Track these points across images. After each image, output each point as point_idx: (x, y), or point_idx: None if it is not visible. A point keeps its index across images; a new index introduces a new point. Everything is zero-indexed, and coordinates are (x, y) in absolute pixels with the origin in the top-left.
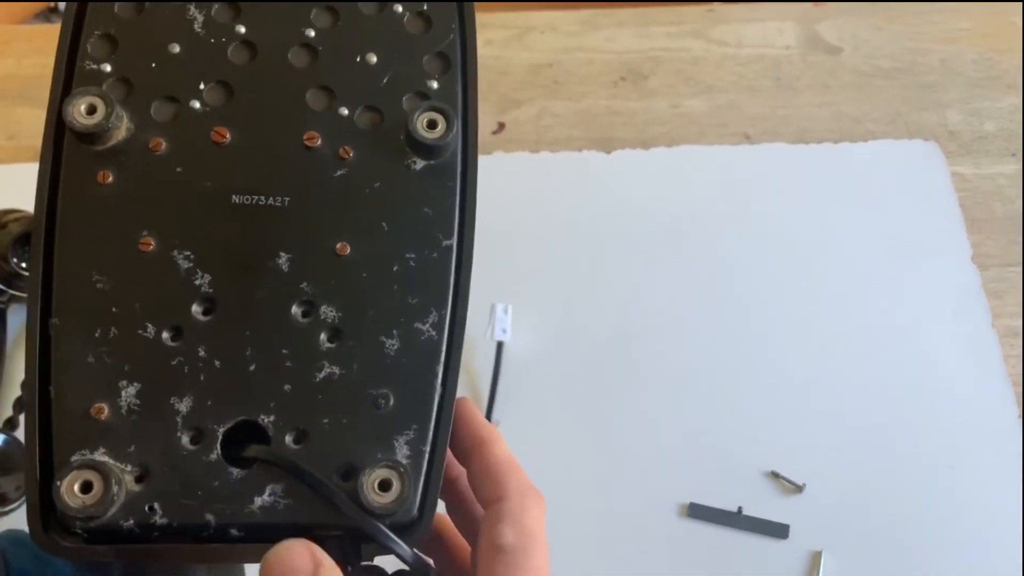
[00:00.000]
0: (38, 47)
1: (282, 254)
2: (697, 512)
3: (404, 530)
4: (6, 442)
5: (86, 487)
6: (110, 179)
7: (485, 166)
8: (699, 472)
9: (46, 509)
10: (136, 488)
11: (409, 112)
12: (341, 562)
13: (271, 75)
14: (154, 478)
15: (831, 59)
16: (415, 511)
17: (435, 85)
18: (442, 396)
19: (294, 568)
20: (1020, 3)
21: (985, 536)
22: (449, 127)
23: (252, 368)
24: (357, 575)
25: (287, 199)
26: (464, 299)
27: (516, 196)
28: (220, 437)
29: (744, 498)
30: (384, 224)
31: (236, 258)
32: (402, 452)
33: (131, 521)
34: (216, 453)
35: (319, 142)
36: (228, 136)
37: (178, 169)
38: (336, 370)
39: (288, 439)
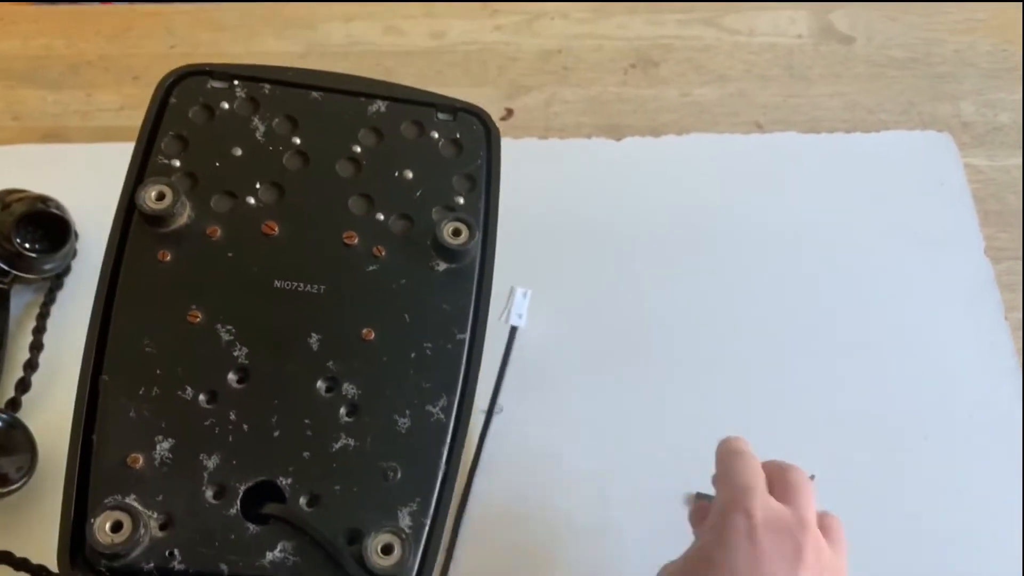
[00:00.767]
0: (43, 28)
1: (313, 335)
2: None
3: None
4: (8, 423)
5: (116, 527)
6: (169, 258)
7: None
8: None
9: (76, 546)
10: (160, 534)
11: (437, 221)
12: None
13: (319, 181)
14: (177, 526)
15: (844, 49)
16: (413, 575)
17: (461, 200)
18: (446, 473)
19: None
20: (1021, 3)
21: (993, 530)
22: (471, 236)
23: (276, 434)
24: None
25: (323, 287)
26: (472, 386)
27: (523, 183)
28: (241, 494)
29: None
30: (407, 316)
31: (272, 335)
32: (405, 521)
33: (152, 564)
34: (236, 508)
35: (356, 241)
36: (277, 229)
37: (229, 254)
38: (352, 442)
39: (303, 501)
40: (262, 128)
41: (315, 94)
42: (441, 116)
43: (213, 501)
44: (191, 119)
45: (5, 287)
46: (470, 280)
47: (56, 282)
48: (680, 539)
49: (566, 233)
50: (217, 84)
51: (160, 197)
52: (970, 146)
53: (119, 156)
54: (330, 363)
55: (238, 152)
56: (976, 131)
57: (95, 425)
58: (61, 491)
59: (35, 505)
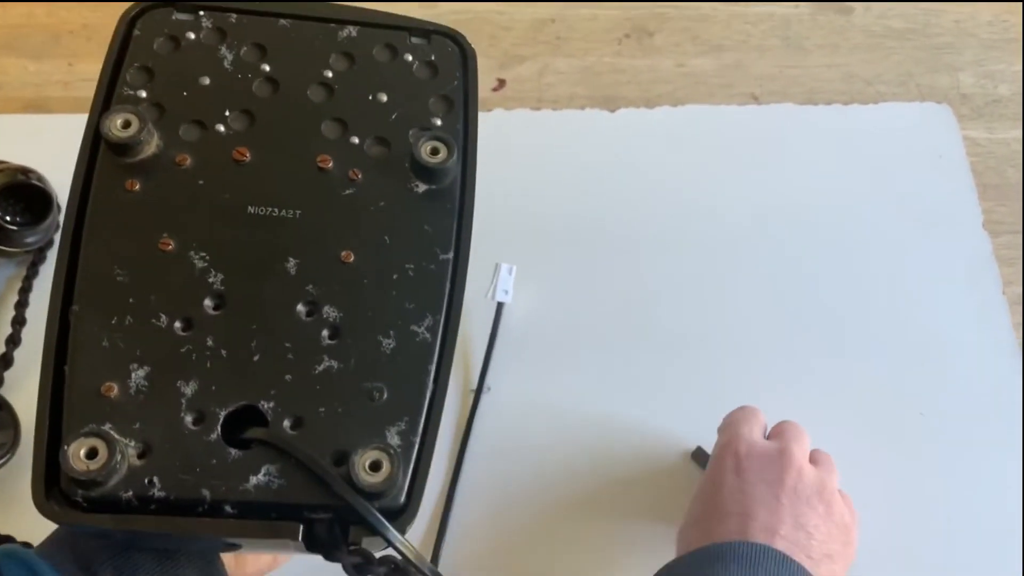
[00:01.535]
0: None
1: (291, 259)
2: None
3: (391, 516)
4: None
5: (92, 453)
6: (137, 187)
7: (484, 123)
8: (694, 437)
9: (50, 477)
10: (138, 463)
11: (414, 141)
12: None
13: (290, 107)
14: (155, 454)
15: (842, 18)
16: (403, 498)
17: (439, 122)
18: (433, 393)
19: None
20: (1020, 2)
21: (991, 506)
22: (450, 154)
23: (256, 359)
24: (345, 558)
25: (299, 212)
26: (458, 307)
27: (516, 155)
28: (221, 419)
29: None
30: (387, 238)
31: (248, 261)
32: (393, 440)
33: (130, 492)
34: (216, 434)
35: (331, 164)
36: (248, 155)
37: (200, 182)
38: (335, 364)
39: (286, 424)
40: (230, 57)
41: (283, 22)
42: (414, 40)
43: (192, 427)
44: (156, 51)
45: None
46: (451, 201)
47: (39, 255)
48: (665, 509)
49: (557, 206)
50: (182, 16)
51: (126, 125)
52: (969, 118)
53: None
54: (309, 287)
55: (206, 81)
56: (975, 103)
57: (66, 357)
58: None
59: (18, 482)
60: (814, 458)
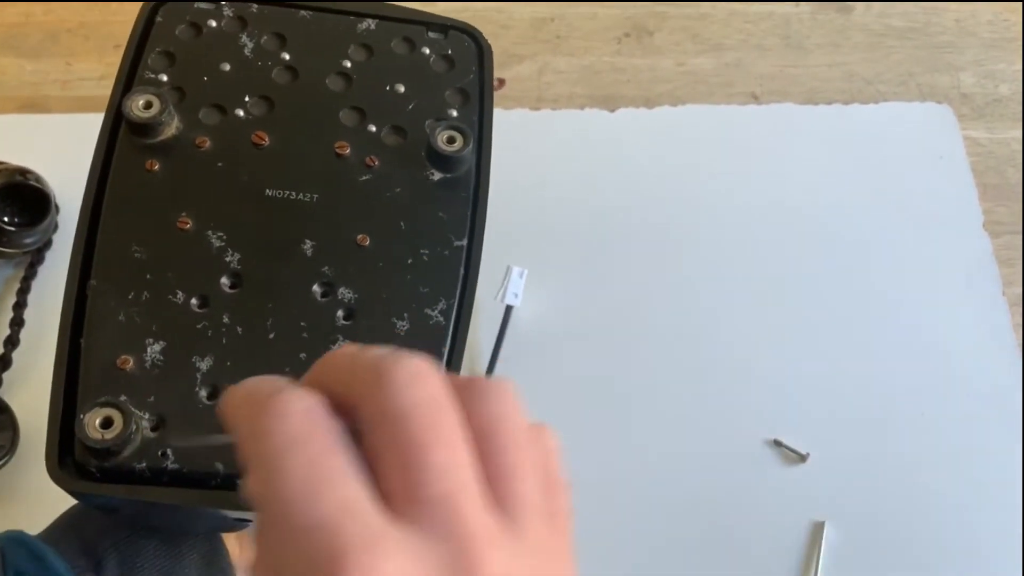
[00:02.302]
0: None
1: (307, 241)
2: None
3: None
4: None
5: (107, 423)
6: (157, 167)
7: None
8: (701, 444)
9: (64, 447)
10: (152, 435)
11: (431, 130)
12: None
13: (309, 94)
14: (169, 427)
15: (842, 17)
16: None
17: (455, 113)
18: None
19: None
20: (1020, 2)
21: (991, 506)
22: (466, 143)
23: (271, 336)
24: None
25: (315, 196)
26: (472, 292)
27: (514, 155)
28: None
29: (745, 468)
30: (402, 223)
31: (265, 241)
32: None
33: (144, 464)
34: None
35: (348, 151)
36: (267, 140)
37: (219, 164)
38: (349, 344)
39: None
40: (250, 45)
41: (303, 13)
42: (432, 34)
43: (207, 402)
44: (178, 36)
45: None
46: (466, 189)
47: (37, 256)
48: (669, 514)
49: (559, 207)
50: (204, 4)
51: (148, 106)
52: (970, 118)
53: (100, 127)
54: (325, 268)
55: (226, 67)
56: (976, 103)
57: (83, 330)
58: (44, 469)
59: (17, 484)
60: None
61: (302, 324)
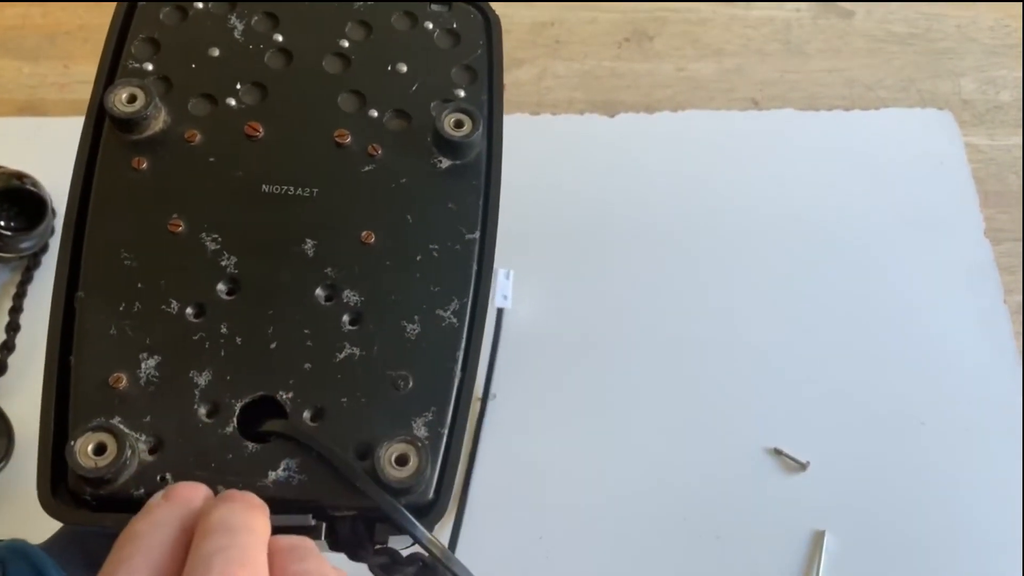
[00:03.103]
0: None
1: (308, 240)
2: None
3: (419, 513)
4: None
5: (100, 449)
6: (144, 165)
7: None
8: (700, 452)
9: (57, 474)
10: (149, 458)
11: (437, 114)
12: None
13: (305, 79)
14: (168, 449)
15: (843, 23)
16: (431, 493)
17: (462, 94)
18: (462, 380)
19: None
20: (1020, 2)
21: (992, 515)
22: (475, 127)
23: (273, 346)
24: (371, 558)
25: (315, 190)
26: (486, 289)
27: (515, 160)
28: (237, 411)
29: (746, 476)
30: (409, 217)
31: (263, 242)
32: (420, 432)
33: (142, 490)
34: (232, 426)
35: (349, 140)
36: (261, 131)
37: (211, 159)
38: (356, 351)
39: (306, 416)
40: (240, 27)
41: None
42: (435, 7)
43: (207, 420)
44: (162, 21)
45: None
46: (477, 177)
47: (33, 261)
48: (671, 514)
49: (559, 212)
50: None
51: (132, 99)
52: (970, 124)
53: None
54: (328, 270)
55: (215, 53)
56: (977, 109)
57: (72, 346)
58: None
59: (12, 491)
60: None
61: (306, 331)
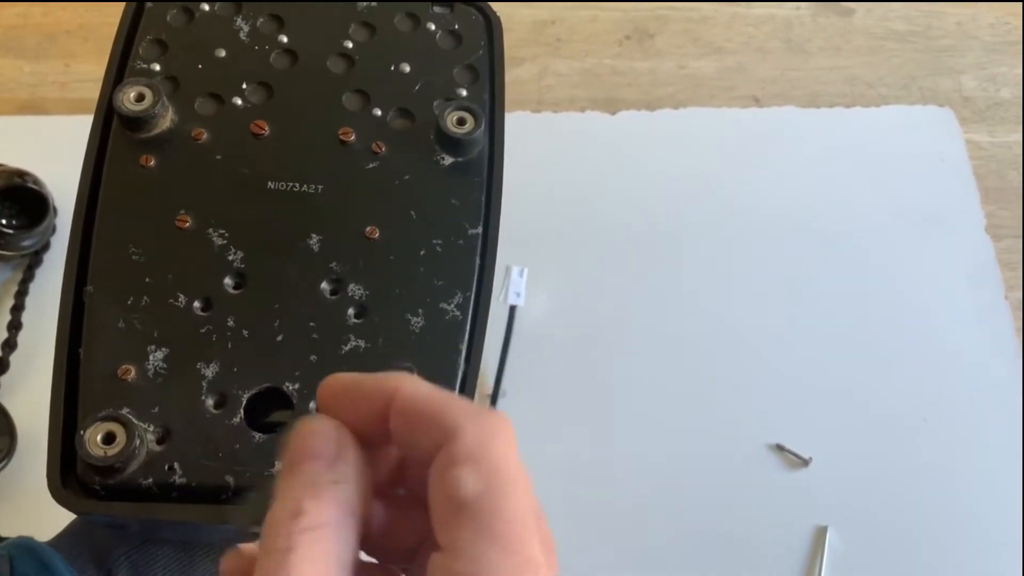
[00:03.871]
0: None
1: (313, 236)
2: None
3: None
4: None
5: (109, 438)
6: (152, 163)
7: None
8: (703, 448)
9: (67, 464)
10: (157, 448)
11: (440, 112)
12: None
13: (310, 79)
14: (176, 439)
15: (844, 21)
16: None
17: (464, 92)
18: (465, 372)
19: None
20: (1020, 2)
21: (993, 511)
22: (477, 124)
23: (279, 339)
24: None
25: (320, 187)
26: (489, 283)
27: (516, 158)
28: (244, 402)
29: (747, 472)
30: (412, 212)
31: (269, 238)
32: None
33: (151, 480)
34: (239, 417)
35: (353, 137)
36: (267, 129)
37: (217, 157)
38: (362, 343)
39: (312, 407)
40: (245, 28)
41: None
42: (437, 9)
43: (214, 411)
44: (169, 23)
45: None
46: (479, 173)
47: (35, 259)
48: (670, 517)
49: (561, 209)
50: None
51: (140, 98)
52: (971, 121)
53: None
54: (333, 264)
55: (221, 53)
56: (977, 106)
57: (81, 340)
58: (42, 474)
59: (15, 488)
60: None
61: (311, 324)
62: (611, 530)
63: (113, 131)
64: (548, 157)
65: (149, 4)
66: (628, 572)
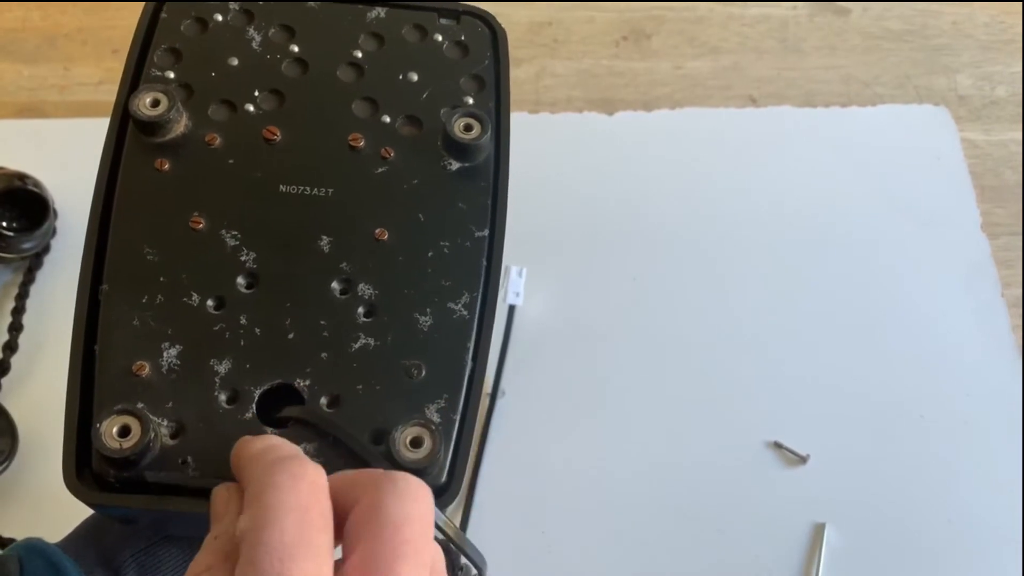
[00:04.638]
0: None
1: (324, 237)
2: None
3: (434, 496)
4: None
5: (124, 431)
6: (167, 166)
7: None
8: (701, 445)
9: (81, 458)
10: (171, 442)
11: (447, 118)
12: None
13: (320, 87)
14: (189, 434)
15: (839, 20)
16: (444, 477)
17: (470, 100)
18: (472, 371)
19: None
20: (1020, 2)
21: (991, 508)
22: (484, 130)
23: (291, 336)
24: None
25: (331, 190)
26: (495, 284)
27: (514, 159)
28: (256, 398)
29: (745, 470)
30: (420, 215)
31: (281, 239)
32: (433, 418)
33: (163, 473)
34: (251, 412)
35: (362, 143)
36: (279, 135)
37: (230, 161)
38: (371, 341)
39: (323, 402)
40: (258, 38)
41: (311, 3)
42: (444, 21)
43: (227, 406)
44: (183, 32)
45: None
46: (486, 178)
47: (35, 261)
48: (668, 515)
49: (559, 209)
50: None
51: (155, 104)
52: (967, 120)
53: (98, 132)
54: (343, 264)
55: (234, 62)
56: (973, 105)
57: (96, 337)
58: (43, 475)
59: (17, 490)
60: None
61: (322, 323)
62: (609, 528)
63: (128, 135)
64: (546, 157)
65: (164, 15)
66: (626, 569)
